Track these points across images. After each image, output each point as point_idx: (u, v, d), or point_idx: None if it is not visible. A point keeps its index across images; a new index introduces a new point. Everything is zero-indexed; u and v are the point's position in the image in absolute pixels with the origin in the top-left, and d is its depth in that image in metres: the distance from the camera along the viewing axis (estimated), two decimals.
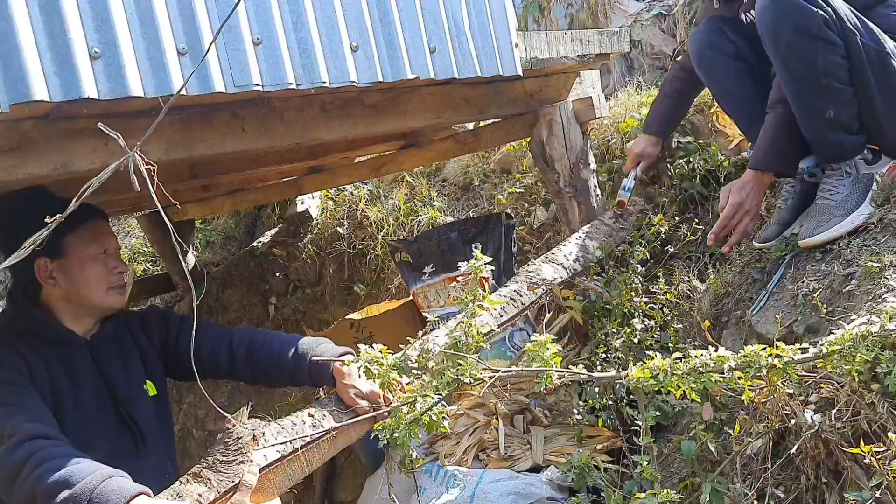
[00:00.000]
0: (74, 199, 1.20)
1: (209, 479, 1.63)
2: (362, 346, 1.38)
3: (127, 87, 1.52)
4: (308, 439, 1.76)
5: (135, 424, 2.00)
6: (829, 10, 1.93)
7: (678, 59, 2.79)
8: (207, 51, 1.50)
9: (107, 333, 2.04)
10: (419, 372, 1.35)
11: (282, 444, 1.73)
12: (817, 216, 2.04)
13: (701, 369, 1.33)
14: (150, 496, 1.53)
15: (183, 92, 1.58)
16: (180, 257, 1.34)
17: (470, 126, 3.53)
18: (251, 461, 1.69)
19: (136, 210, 4.41)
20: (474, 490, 2.10)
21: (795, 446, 1.44)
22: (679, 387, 1.32)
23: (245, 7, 1.70)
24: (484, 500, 2.08)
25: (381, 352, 1.35)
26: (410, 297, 3.16)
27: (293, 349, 2.04)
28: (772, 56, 2.05)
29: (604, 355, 2.27)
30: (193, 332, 1.80)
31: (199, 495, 1.59)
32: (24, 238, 1.87)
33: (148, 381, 2.10)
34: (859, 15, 1.99)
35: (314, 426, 1.80)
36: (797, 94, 2.04)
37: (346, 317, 3.29)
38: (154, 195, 1.12)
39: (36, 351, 1.88)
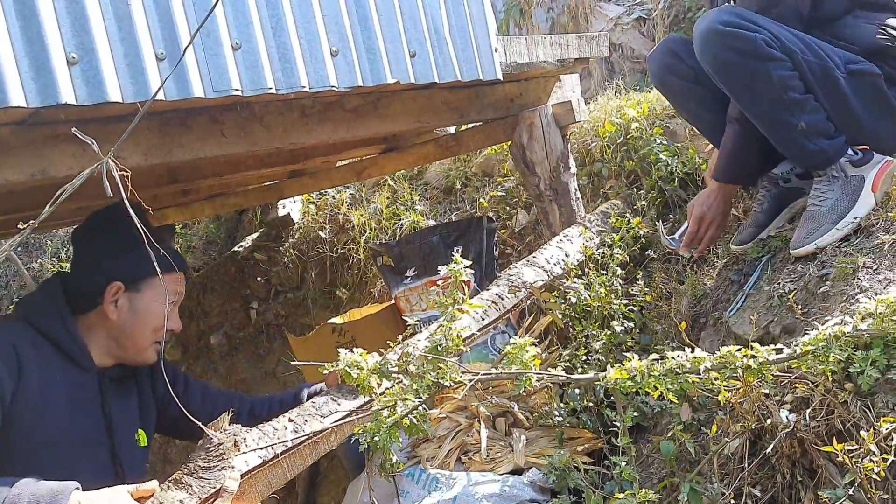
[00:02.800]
0: (48, 205, 1.20)
1: (190, 486, 1.62)
2: (342, 350, 1.39)
3: (105, 92, 1.51)
4: (289, 444, 1.76)
5: (121, 469, 1.95)
6: (765, 31, 1.96)
7: None
8: (183, 54, 1.50)
9: (117, 372, 1.99)
10: (399, 375, 1.36)
11: (263, 449, 1.72)
12: (808, 224, 2.03)
13: (677, 370, 1.35)
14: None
15: (161, 97, 1.58)
16: (155, 264, 1.34)
17: (451, 130, 3.54)
18: (232, 467, 1.69)
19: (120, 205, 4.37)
20: (456, 493, 2.10)
21: (771, 446, 1.46)
22: (656, 388, 1.34)
23: (224, 12, 1.70)
24: (466, 503, 2.08)
25: (360, 355, 1.35)
26: (393, 301, 3.16)
27: (293, 394, 2.20)
28: (727, 88, 2.06)
29: (584, 357, 2.29)
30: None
31: (181, 501, 1.59)
32: (100, 257, 1.88)
33: (140, 431, 2.06)
34: (795, 32, 2.02)
35: (296, 431, 1.80)
36: (763, 115, 2.05)
37: (328, 321, 3.29)
38: (127, 202, 1.12)
39: (40, 354, 1.81)
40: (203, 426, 1.65)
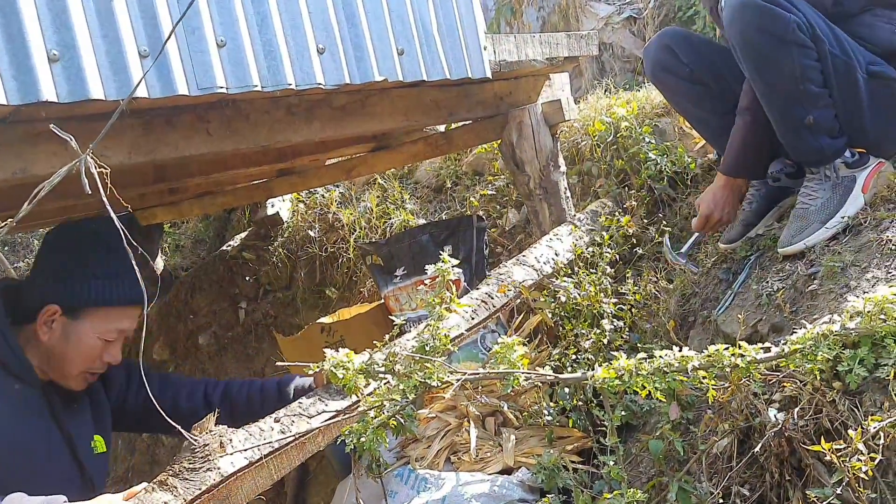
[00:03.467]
0: (26, 203, 1.18)
1: (175, 487, 1.61)
2: (328, 351, 1.37)
3: (87, 89, 1.49)
4: (276, 445, 1.75)
5: (89, 478, 1.92)
6: (801, 14, 1.91)
7: None
8: (163, 47, 1.48)
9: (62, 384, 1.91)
10: (386, 376, 1.35)
11: (249, 450, 1.71)
12: (796, 223, 2.01)
13: (665, 369, 1.34)
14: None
15: (145, 94, 1.56)
16: (133, 264, 1.32)
17: (441, 128, 3.53)
18: (218, 468, 1.67)
19: (101, 215, 4.34)
20: (445, 493, 2.09)
21: (760, 444, 1.45)
22: (644, 387, 1.33)
23: (208, 8, 1.68)
24: (455, 503, 2.07)
25: (347, 356, 1.34)
26: (382, 301, 3.15)
27: (277, 383, 2.15)
28: (744, 64, 2.01)
29: (574, 356, 2.28)
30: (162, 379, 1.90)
31: (166, 503, 1.57)
32: (48, 274, 1.84)
33: (97, 438, 2.01)
34: (829, 23, 1.97)
35: (282, 432, 1.79)
36: (774, 101, 2.01)
37: (317, 321, 3.27)
38: (106, 199, 1.10)
39: None
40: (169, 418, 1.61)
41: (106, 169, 1.08)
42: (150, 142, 1.82)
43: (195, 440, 1.65)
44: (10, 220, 1.14)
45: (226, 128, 1.95)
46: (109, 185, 1.07)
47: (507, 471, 2.17)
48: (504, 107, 2.77)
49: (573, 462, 2.06)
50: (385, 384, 1.34)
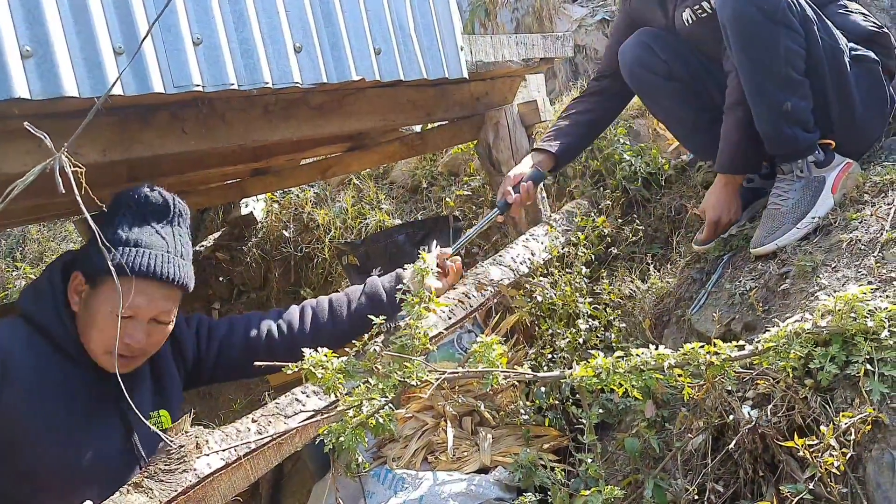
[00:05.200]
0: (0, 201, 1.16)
1: (151, 489, 1.59)
2: (306, 350, 1.37)
3: (60, 86, 1.47)
4: (253, 446, 1.73)
5: (141, 457, 1.85)
6: None
7: (594, 83, 2.69)
8: (140, 46, 1.47)
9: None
10: (365, 375, 1.35)
11: (225, 451, 1.70)
12: (768, 223, 2.04)
13: (642, 367, 1.36)
14: None
15: (120, 92, 1.54)
16: (109, 263, 1.31)
17: (417, 128, 3.53)
18: (194, 469, 1.66)
19: (75, 214, 4.28)
20: (423, 493, 2.10)
21: (734, 441, 1.47)
22: (621, 385, 1.35)
23: (185, 6, 1.67)
24: (432, 502, 2.08)
25: (326, 355, 1.33)
26: None
27: (359, 292, 2.11)
28: (732, 42, 2.02)
29: (550, 355, 2.30)
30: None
31: None
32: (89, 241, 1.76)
33: (162, 413, 1.94)
34: (816, 9, 2.01)
35: (259, 433, 1.78)
36: (755, 82, 2.00)
37: None
38: (80, 198, 1.09)
39: (34, 352, 1.70)
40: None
41: (81, 168, 1.07)
42: (125, 140, 1.80)
43: (171, 441, 1.64)
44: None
45: (201, 126, 1.94)
46: (84, 184, 1.06)
47: (484, 470, 2.18)
48: (480, 107, 2.78)
49: (550, 460, 2.08)
50: (364, 383, 1.34)
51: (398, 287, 1.92)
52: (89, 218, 1.12)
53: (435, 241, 2.23)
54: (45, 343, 1.73)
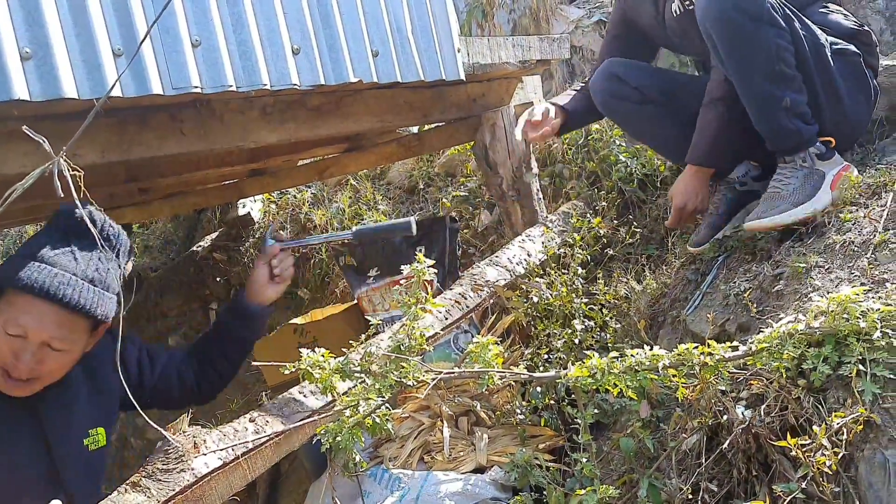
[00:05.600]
0: None
1: (149, 489, 1.60)
2: (304, 350, 1.38)
3: (60, 88, 1.48)
4: (250, 446, 1.74)
5: (66, 486, 1.78)
6: None
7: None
8: (139, 48, 1.48)
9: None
10: (362, 375, 1.36)
11: (223, 450, 1.70)
12: (767, 202, 2.05)
13: (637, 368, 1.37)
14: None
15: (119, 93, 1.55)
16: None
17: (414, 129, 3.54)
18: (192, 469, 1.66)
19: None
20: (419, 493, 2.10)
21: (727, 441, 1.49)
22: (616, 385, 1.36)
23: (183, 7, 1.68)
24: (428, 502, 2.09)
25: (323, 355, 1.34)
26: (355, 302, 3.15)
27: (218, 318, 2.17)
28: (720, 48, 2.03)
29: (546, 356, 2.31)
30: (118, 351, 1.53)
31: None
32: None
33: (100, 430, 1.87)
34: (792, 8, 2.05)
35: (256, 432, 1.79)
36: (749, 83, 2.03)
37: (290, 321, 3.26)
38: (78, 202, 1.10)
39: None
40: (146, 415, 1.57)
41: (80, 171, 1.08)
42: (124, 141, 1.80)
43: (173, 440, 1.64)
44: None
45: (200, 128, 1.95)
46: (83, 187, 1.06)
47: (480, 470, 2.18)
48: (477, 109, 2.79)
49: (546, 460, 2.09)
50: (361, 383, 1.35)
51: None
52: (88, 222, 1.12)
53: (269, 233, 2.23)
54: None
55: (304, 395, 1.94)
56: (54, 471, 1.77)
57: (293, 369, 1.34)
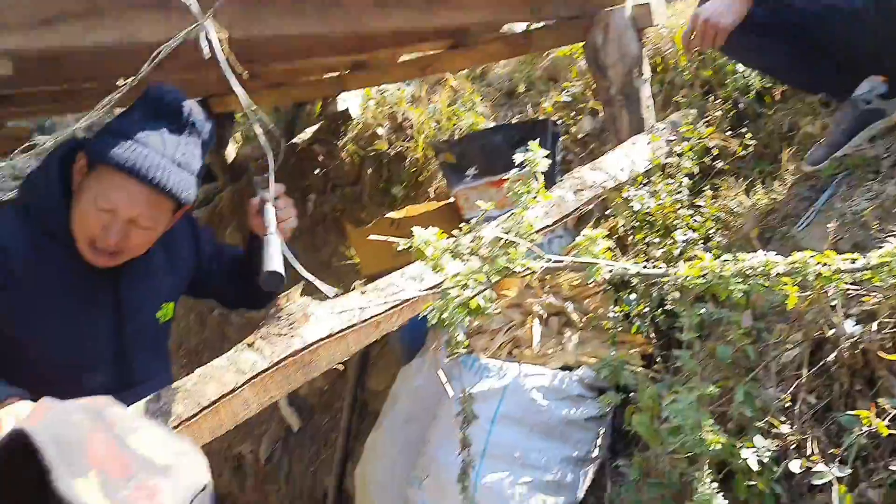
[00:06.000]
0: (147, 64, 1.23)
1: (261, 350, 1.71)
2: (416, 228, 1.42)
3: None
4: (356, 320, 1.84)
5: (131, 359, 1.82)
6: None
7: None
8: None
9: None
10: (470, 258, 1.39)
11: (331, 322, 1.80)
12: None
13: (748, 272, 1.35)
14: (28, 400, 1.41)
15: None
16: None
17: (520, 29, 3.46)
18: (301, 336, 1.77)
19: (218, 94, 4.42)
20: (507, 383, 2.18)
21: (832, 355, 1.47)
22: (726, 288, 1.35)
23: None
24: (516, 392, 2.16)
25: (435, 235, 1.38)
26: (451, 200, 3.18)
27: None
28: None
29: (643, 265, 2.30)
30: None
31: (253, 363, 1.68)
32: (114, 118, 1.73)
33: (170, 305, 1.91)
34: None
35: (362, 308, 1.87)
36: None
37: (386, 215, 3.34)
38: (226, 65, 1.14)
39: (31, 241, 1.65)
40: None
41: (225, 33, 1.11)
42: (247, 18, 1.84)
43: (280, 308, 1.74)
44: (131, 78, 1.20)
45: (319, 9, 1.96)
46: (229, 50, 1.10)
47: (567, 368, 2.23)
48: (591, 7, 2.69)
49: (636, 364, 2.11)
50: (469, 266, 1.38)
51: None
52: (236, 88, 1.17)
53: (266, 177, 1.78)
54: (38, 230, 1.67)
55: (405, 280, 2.01)
56: (122, 346, 1.81)
57: (404, 246, 1.38)
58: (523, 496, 2.04)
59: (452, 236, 1.41)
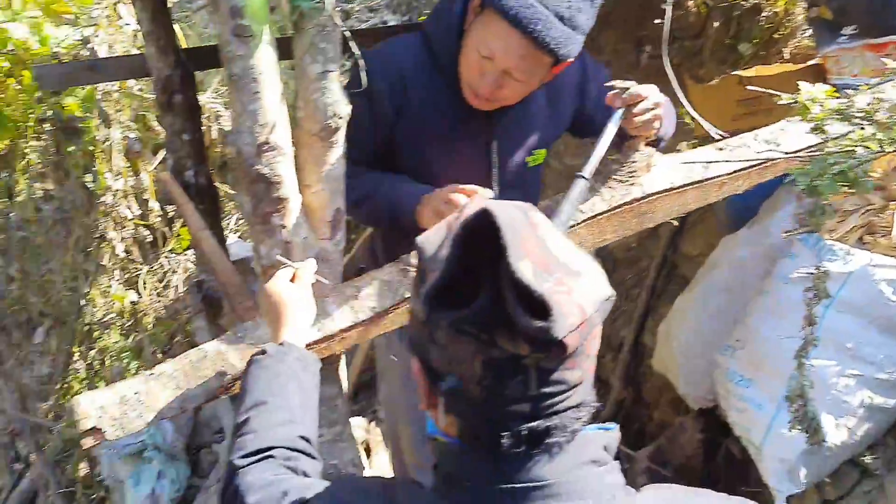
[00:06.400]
0: None
1: (602, 194, 1.75)
2: (803, 84, 1.29)
3: None
4: (698, 177, 1.79)
5: (500, 197, 1.81)
6: None
7: None
8: None
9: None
10: (862, 122, 1.24)
11: (674, 174, 1.77)
12: None
13: None
14: None
15: None
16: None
17: None
18: (641, 185, 1.77)
19: None
20: (853, 270, 1.98)
21: None
22: None
23: None
24: (861, 280, 1.97)
25: (825, 92, 1.25)
26: (815, 61, 2.83)
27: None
28: None
29: None
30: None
31: (593, 204, 1.73)
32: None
33: (540, 151, 1.94)
34: None
35: (705, 167, 1.80)
36: None
37: (733, 72, 3.08)
38: None
39: (424, 72, 1.75)
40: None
41: None
42: None
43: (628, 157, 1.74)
44: None
45: None
46: None
47: None
48: None
49: None
50: (860, 130, 1.23)
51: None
52: None
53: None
54: (433, 62, 1.75)
55: (758, 142, 1.87)
56: (491, 186, 1.87)
57: (788, 101, 1.27)
58: (849, 388, 1.91)
59: (844, 96, 1.26)
